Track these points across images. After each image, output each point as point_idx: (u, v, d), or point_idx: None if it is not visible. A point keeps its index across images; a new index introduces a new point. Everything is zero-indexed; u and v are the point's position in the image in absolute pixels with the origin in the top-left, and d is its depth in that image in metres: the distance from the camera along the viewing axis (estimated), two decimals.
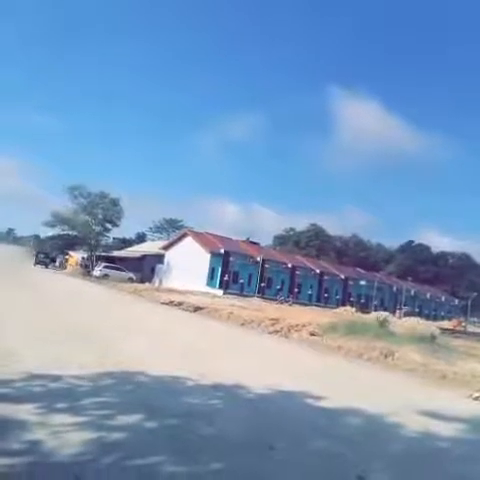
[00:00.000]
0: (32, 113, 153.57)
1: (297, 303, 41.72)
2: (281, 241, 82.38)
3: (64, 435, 3.74)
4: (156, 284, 42.97)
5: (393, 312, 38.17)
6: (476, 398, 8.04)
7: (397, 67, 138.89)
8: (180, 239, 50.13)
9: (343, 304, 45.20)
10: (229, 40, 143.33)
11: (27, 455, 3.32)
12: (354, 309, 36.40)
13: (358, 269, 61.50)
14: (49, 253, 61.13)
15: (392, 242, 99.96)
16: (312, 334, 14.62)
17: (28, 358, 6.35)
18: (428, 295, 62.79)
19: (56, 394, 4.86)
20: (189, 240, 47.67)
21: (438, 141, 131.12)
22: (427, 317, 46.47)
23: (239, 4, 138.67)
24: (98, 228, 53.68)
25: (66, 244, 67.74)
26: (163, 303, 22.63)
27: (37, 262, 54.20)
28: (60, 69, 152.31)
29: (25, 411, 4.19)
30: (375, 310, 39.44)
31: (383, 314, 23.55)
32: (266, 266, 46.77)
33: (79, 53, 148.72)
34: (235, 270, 44.90)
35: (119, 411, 4.55)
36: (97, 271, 44.95)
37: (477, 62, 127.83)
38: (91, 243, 53.71)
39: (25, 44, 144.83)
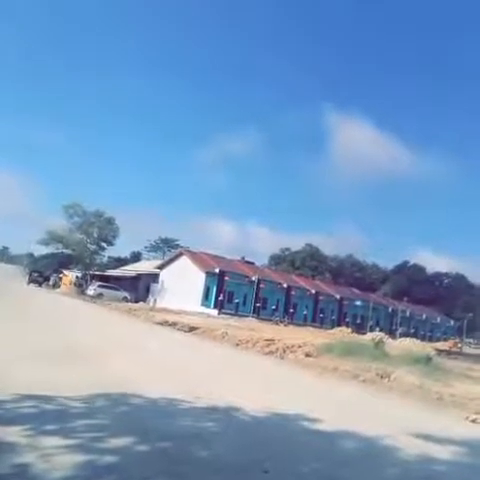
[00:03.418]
0: (28, 128, 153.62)
1: (292, 323, 41.52)
2: (277, 261, 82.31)
3: (54, 458, 3.66)
4: (151, 303, 42.63)
5: (388, 333, 38.00)
6: (473, 420, 7.95)
7: (390, 86, 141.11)
8: (175, 258, 50.05)
9: (338, 324, 45.04)
10: (225, 54, 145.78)
11: (16, 479, 3.24)
12: (349, 330, 36.33)
13: (353, 289, 61.45)
14: (43, 272, 60.61)
15: (387, 262, 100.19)
16: (307, 355, 14.49)
17: (19, 378, 6.25)
18: (423, 316, 62.64)
19: (48, 415, 4.77)
20: (184, 259, 47.60)
21: (433, 161, 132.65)
22: (422, 338, 46.31)
23: (236, 22, 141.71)
24: (93, 247, 53.53)
25: (60, 263, 67.41)
26: (157, 323, 22.43)
27: (30, 281, 53.67)
28: (59, 85, 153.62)
29: (15, 433, 4.10)
30: (370, 331, 39.35)
31: (379, 335, 23.51)
32: (261, 286, 46.62)
33: (80, 67, 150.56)
34: (230, 290, 44.71)
35: (112, 433, 4.46)
36: (91, 290, 44.60)
37: (472, 81, 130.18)
38: (86, 262, 53.47)
39: (25, 56, 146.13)
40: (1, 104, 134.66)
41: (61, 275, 60.49)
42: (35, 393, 5.52)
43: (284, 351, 15.08)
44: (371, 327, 46.73)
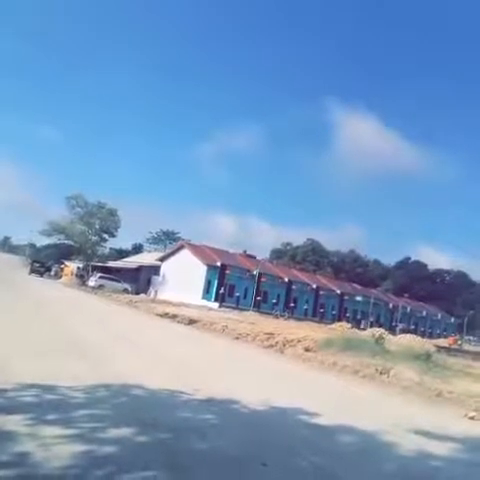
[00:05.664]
0: (29, 121, 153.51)
1: (293, 317, 41.61)
2: (278, 255, 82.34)
3: (54, 447, 3.68)
4: (151, 295, 42.76)
5: (388, 329, 38.02)
6: (471, 417, 7.97)
7: (395, 83, 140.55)
8: (177, 251, 50.07)
9: (339, 319, 45.07)
10: (227, 51, 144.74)
11: (15, 467, 3.26)
12: (349, 325, 36.34)
13: (354, 285, 61.48)
14: (44, 262, 60.80)
15: (389, 258, 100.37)
16: (307, 350, 14.51)
17: (21, 367, 6.28)
18: (424, 312, 62.70)
19: (48, 405, 4.80)
20: (186, 252, 47.62)
21: (437, 158, 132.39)
22: (423, 334, 46.31)
23: (239, 17, 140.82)
24: (94, 238, 53.63)
25: (62, 253, 67.63)
26: (158, 315, 22.51)
27: (32, 271, 53.89)
28: (61, 78, 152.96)
29: (16, 422, 4.12)
30: (371, 326, 39.36)
31: (379, 330, 23.50)
32: (262, 280, 46.67)
33: (83, 63, 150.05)
34: (231, 283, 44.77)
35: (111, 424, 4.48)
36: (92, 281, 44.73)
37: (474, 78, 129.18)
38: (87, 253, 53.58)
39: (23, 52, 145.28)
40: (2, 100, 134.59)
41: (62, 266, 60.68)
42: (37, 382, 5.54)
43: (284, 345, 15.12)
44: (371, 323, 46.77)
